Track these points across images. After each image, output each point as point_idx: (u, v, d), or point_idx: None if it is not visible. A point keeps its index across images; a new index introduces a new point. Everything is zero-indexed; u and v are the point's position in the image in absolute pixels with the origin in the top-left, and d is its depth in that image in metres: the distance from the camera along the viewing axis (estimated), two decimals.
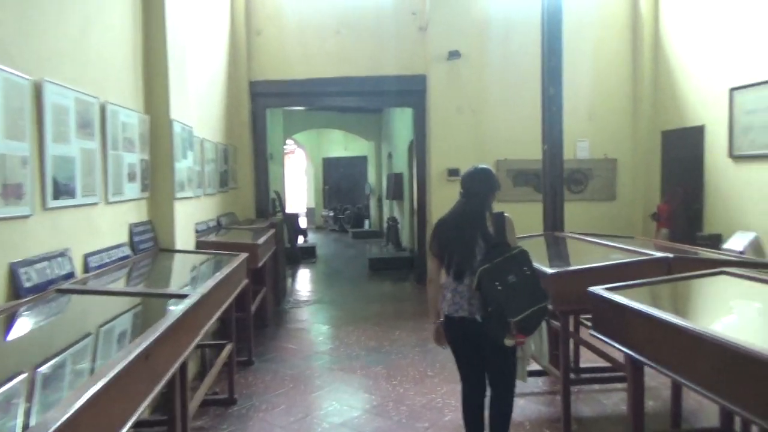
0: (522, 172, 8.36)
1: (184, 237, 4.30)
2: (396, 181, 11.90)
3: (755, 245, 6.37)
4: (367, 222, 16.64)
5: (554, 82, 4.44)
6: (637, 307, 2.15)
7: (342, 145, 17.62)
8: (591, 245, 3.98)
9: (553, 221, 4.56)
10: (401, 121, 11.03)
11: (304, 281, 9.31)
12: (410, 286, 8.45)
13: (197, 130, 5.12)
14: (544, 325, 2.96)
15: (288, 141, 18.83)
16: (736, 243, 6.46)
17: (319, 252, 12.11)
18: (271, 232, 5.95)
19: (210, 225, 5.52)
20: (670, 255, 2.95)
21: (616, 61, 8.50)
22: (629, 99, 8.51)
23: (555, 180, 4.55)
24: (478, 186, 2.92)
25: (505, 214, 2.89)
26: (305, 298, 7.64)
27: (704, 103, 7.20)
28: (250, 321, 4.82)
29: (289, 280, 9.08)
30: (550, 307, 2.88)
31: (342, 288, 8.40)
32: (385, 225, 13.22)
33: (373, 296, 7.73)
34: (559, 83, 4.48)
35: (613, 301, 2.29)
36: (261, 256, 4.88)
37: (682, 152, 7.72)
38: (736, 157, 6.65)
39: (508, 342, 2.68)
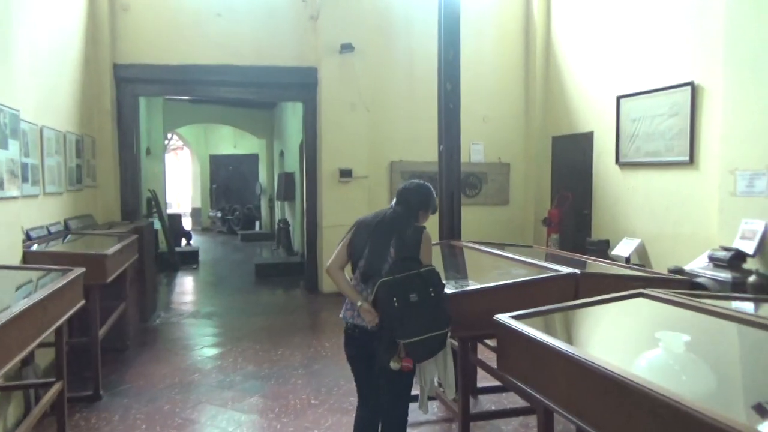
0: (416, 174, 8.04)
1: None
2: (288, 180, 11.23)
3: (640, 251, 6.48)
4: (257, 223, 15.75)
5: (451, 77, 4.08)
6: (549, 343, 1.75)
7: (231, 141, 16.56)
8: (490, 257, 3.65)
9: (450, 228, 4.19)
10: (294, 117, 10.38)
11: (180, 291, 8.38)
12: (300, 295, 7.85)
13: (32, 114, 4.20)
14: (449, 354, 2.56)
15: (174, 137, 17.49)
16: (623, 249, 6.53)
17: (203, 257, 11.13)
18: (132, 238, 5.10)
19: (52, 230, 4.59)
20: (577, 271, 2.64)
21: (510, 64, 8.45)
22: (522, 103, 8.50)
23: (452, 183, 4.19)
24: (412, 196, 2.71)
25: (425, 230, 2.63)
26: (180, 312, 6.78)
27: (593, 110, 7.28)
28: (96, 347, 4.00)
29: (163, 292, 8.12)
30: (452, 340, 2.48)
31: (224, 298, 7.61)
32: (276, 227, 12.50)
33: (258, 308, 7.04)
34: (457, 79, 4.12)
35: (523, 333, 1.87)
36: (112, 269, 4.07)
37: (572, 158, 7.80)
38: (623, 164, 6.75)
39: (394, 365, 2.42)
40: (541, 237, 8.16)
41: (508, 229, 8.41)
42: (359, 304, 2.57)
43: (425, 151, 7.93)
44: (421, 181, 2.82)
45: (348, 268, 2.76)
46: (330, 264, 2.72)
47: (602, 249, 6.77)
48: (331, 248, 7.91)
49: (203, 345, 5.47)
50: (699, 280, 4.73)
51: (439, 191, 4.32)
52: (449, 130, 4.10)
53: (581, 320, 2.09)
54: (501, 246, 4.11)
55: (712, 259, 4.91)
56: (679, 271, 5.53)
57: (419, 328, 2.38)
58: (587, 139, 7.40)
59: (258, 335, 5.72)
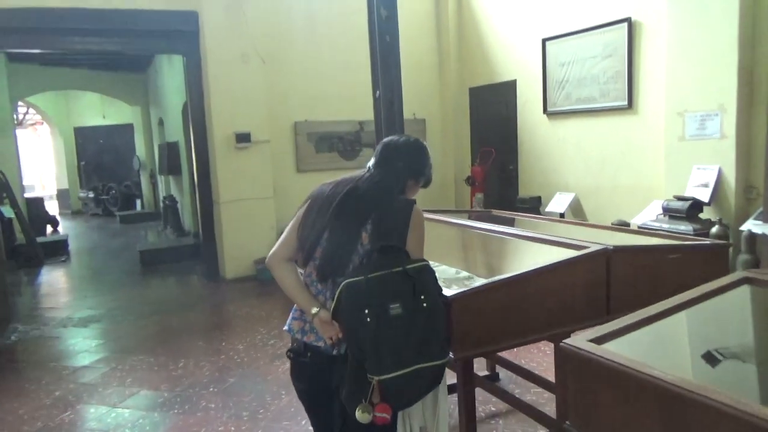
0: (326, 135, 7.08)
1: None
2: (171, 151, 9.77)
3: (575, 206, 6.06)
4: (138, 202, 13.97)
5: (385, 1, 3.16)
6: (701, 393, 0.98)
7: (99, 111, 14.38)
8: (460, 231, 2.86)
9: None
10: (172, 76, 8.90)
11: (46, 293, 6.87)
12: (198, 284, 6.69)
13: None
14: (441, 396, 1.75)
15: (31, 110, 14.93)
16: (557, 205, 6.08)
17: (74, 245, 9.45)
18: None
19: None
20: (609, 246, 1.92)
21: (419, 10, 7.61)
22: (435, 53, 7.74)
23: None
24: (399, 156, 1.85)
25: (416, 207, 1.78)
26: (45, 322, 5.42)
27: (515, 57, 6.69)
28: None
29: (22, 295, 6.60)
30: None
31: (103, 297, 6.27)
32: (161, 205, 11.00)
33: (147, 306, 5.82)
34: (394, 3, 3.21)
35: (640, 374, 1.09)
36: None
37: (494, 110, 7.21)
38: (551, 114, 6.24)
39: (362, 416, 1.59)
40: (465, 197, 7.58)
41: (429, 191, 7.73)
42: (313, 312, 1.70)
43: (335, 109, 6.99)
44: (413, 137, 1.94)
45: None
46: (271, 255, 1.82)
47: (534, 206, 6.30)
48: (233, 227, 6.72)
49: (78, 366, 4.26)
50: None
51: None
52: (387, 71, 3.22)
53: (679, 330, 1.36)
54: (457, 214, 3.35)
55: (667, 210, 4.50)
56: (625, 224, 5.13)
57: (403, 357, 1.57)
58: (509, 88, 6.82)
59: (151, 343, 4.60)
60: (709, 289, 1.41)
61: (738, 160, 4.32)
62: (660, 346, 1.34)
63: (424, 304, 1.59)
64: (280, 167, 6.76)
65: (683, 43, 4.58)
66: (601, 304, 1.93)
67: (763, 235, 3.68)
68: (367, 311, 1.56)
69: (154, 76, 11.23)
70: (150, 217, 12.55)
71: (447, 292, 1.73)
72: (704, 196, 4.42)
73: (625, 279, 1.95)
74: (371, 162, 1.87)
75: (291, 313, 1.86)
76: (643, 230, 3.82)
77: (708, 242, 2.35)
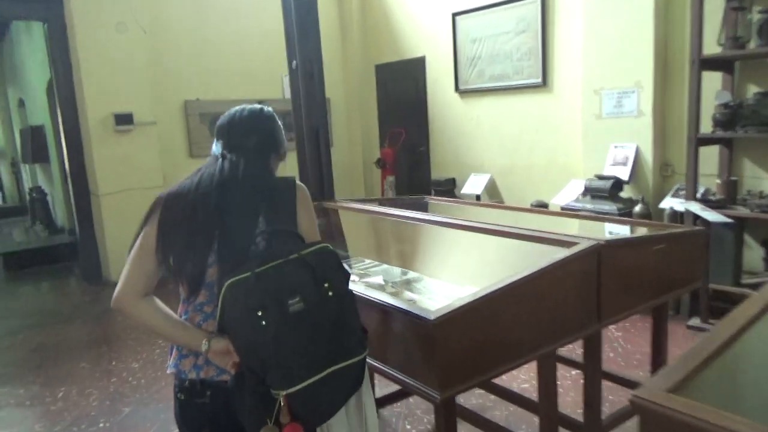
0: (220, 116, 6.38)
1: None
2: (35, 137, 8.48)
3: (490, 188, 5.92)
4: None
5: None
6: None
7: None
8: (388, 221, 2.47)
9: (319, 183, 2.89)
10: (32, 51, 7.66)
11: None
12: (77, 288, 5.81)
13: None
14: (367, 399, 1.53)
15: None
16: (473, 186, 5.91)
17: None
18: None
19: None
20: (601, 240, 1.64)
21: None
22: (336, 27, 7.24)
23: (315, 116, 2.85)
24: (254, 133, 1.55)
25: (298, 183, 1.55)
26: None
27: (424, 32, 6.38)
28: None
29: None
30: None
31: None
32: (28, 198, 9.61)
33: (15, 320, 4.92)
34: None
35: None
36: None
37: (402, 89, 6.88)
38: (463, 92, 6.03)
39: None
40: (375, 181, 7.24)
41: (336, 175, 7.29)
42: (204, 348, 1.37)
43: (231, 87, 6.31)
44: (253, 106, 1.63)
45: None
46: (120, 294, 1.41)
47: (449, 189, 6.09)
48: (117, 222, 5.85)
49: None
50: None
51: (297, 131, 2.97)
52: (305, 35, 2.72)
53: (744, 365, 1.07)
54: (393, 202, 2.97)
55: (589, 189, 4.43)
56: (543, 205, 5.05)
57: (313, 361, 1.31)
58: (418, 65, 6.52)
59: (21, 370, 3.82)
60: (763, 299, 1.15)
61: (655, 138, 4.32)
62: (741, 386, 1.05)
63: (330, 293, 1.32)
64: (169, 152, 5.99)
65: (598, 19, 4.50)
66: (592, 308, 1.65)
67: (687, 212, 3.67)
68: (260, 313, 1.27)
69: (10, 49, 9.70)
70: (13, 212, 10.98)
71: (413, 305, 1.35)
72: (623, 174, 4.40)
73: (614, 277, 1.68)
74: (217, 147, 1.54)
75: (173, 351, 1.49)
76: (577, 213, 3.67)
77: (689, 229, 2.16)
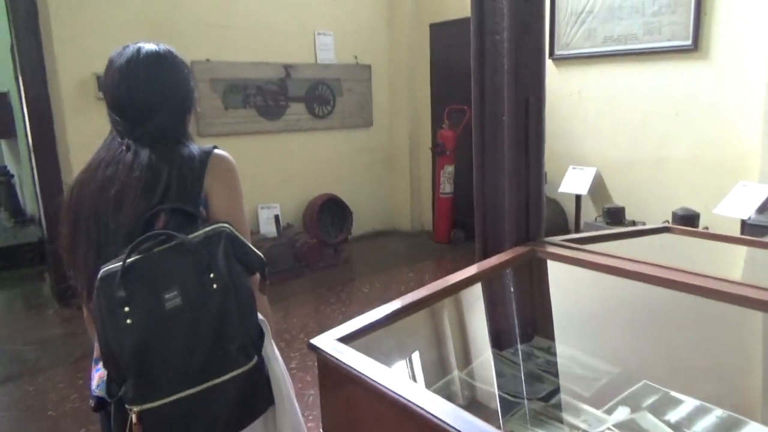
0: (238, 84, 4.90)
1: None
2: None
3: (596, 186, 4.53)
4: None
5: None
6: None
7: None
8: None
9: (523, 208, 1.49)
10: None
11: None
12: (49, 294, 4.39)
13: None
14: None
15: None
16: (572, 184, 4.51)
17: None
18: None
19: None
20: None
21: None
22: None
23: (534, 89, 1.43)
24: (165, 106, 1.25)
25: (217, 151, 1.25)
26: None
27: None
28: None
29: None
30: None
31: None
32: None
33: None
34: None
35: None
36: None
37: (464, 54, 5.42)
38: (561, 58, 4.58)
39: None
40: (423, 171, 5.83)
41: (376, 168, 5.86)
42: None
43: (251, 48, 4.84)
44: (145, 48, 1.27)
45: None
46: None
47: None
48: None
49: None
50: None
51: (476, 113, 1.52)
52: None
53: None
54: (622, 236, 1.57)
55: None
56: (694, 215, 3.63)
57: (185, 373, 1.03)
58: None
59: None
60: None
61: None
62: None
63: (215, 285, 1.05)
64: None
65: None
66: None
67: None
68: (127, 309, 1.02)
69: None
70: None
71: None
72: None
73: None
74: (116, 123, 1.26)
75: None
76: None
77: None
